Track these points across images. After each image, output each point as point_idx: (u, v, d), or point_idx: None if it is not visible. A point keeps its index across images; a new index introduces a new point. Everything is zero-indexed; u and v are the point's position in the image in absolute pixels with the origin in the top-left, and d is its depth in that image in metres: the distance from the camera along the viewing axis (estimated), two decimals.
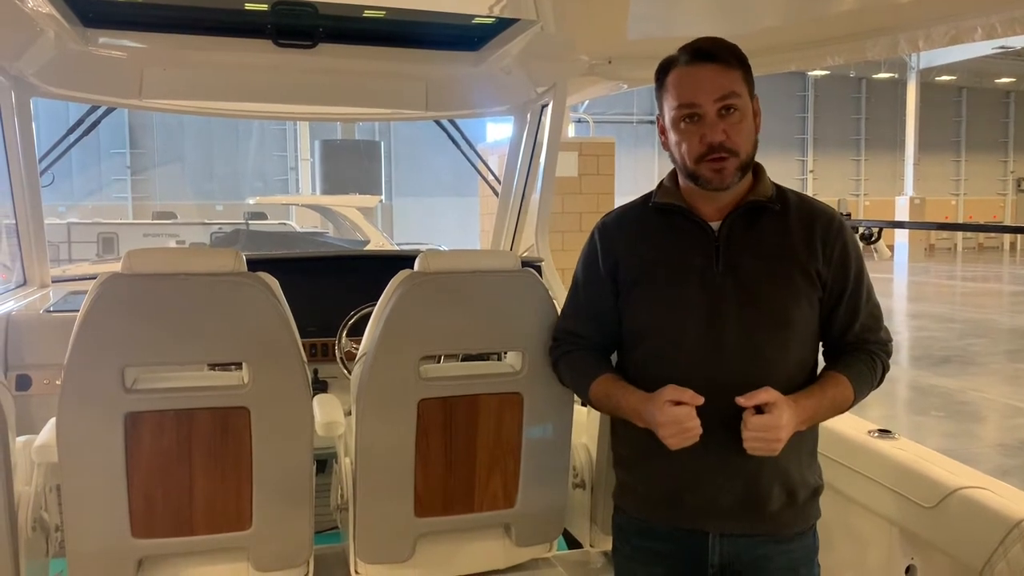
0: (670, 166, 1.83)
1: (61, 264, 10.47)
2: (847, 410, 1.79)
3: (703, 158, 1.67)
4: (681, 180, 1.79)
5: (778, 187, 1.79)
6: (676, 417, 1.64)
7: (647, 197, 1.84)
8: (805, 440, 1.78)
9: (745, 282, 1.70)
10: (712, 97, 1.65)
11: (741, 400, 1.62)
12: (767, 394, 1.63)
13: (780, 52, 3.02)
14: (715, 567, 1.74)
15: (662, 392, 1.66)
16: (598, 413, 2.37)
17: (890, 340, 1.85)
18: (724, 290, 1.70)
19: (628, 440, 1.85)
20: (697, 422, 1.63)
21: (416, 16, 3.11)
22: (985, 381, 9.21)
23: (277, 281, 2.05)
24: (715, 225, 1.74)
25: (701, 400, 1.63)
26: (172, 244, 12.42)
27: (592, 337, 1.89)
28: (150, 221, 15.43)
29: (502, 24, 2.98)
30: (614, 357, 1.92)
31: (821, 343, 1.81)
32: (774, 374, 1.69)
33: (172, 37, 3.01)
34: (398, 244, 13.31)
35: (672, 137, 1.72)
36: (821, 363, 1.84)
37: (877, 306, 1.82)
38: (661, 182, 1.84)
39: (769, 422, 1.61)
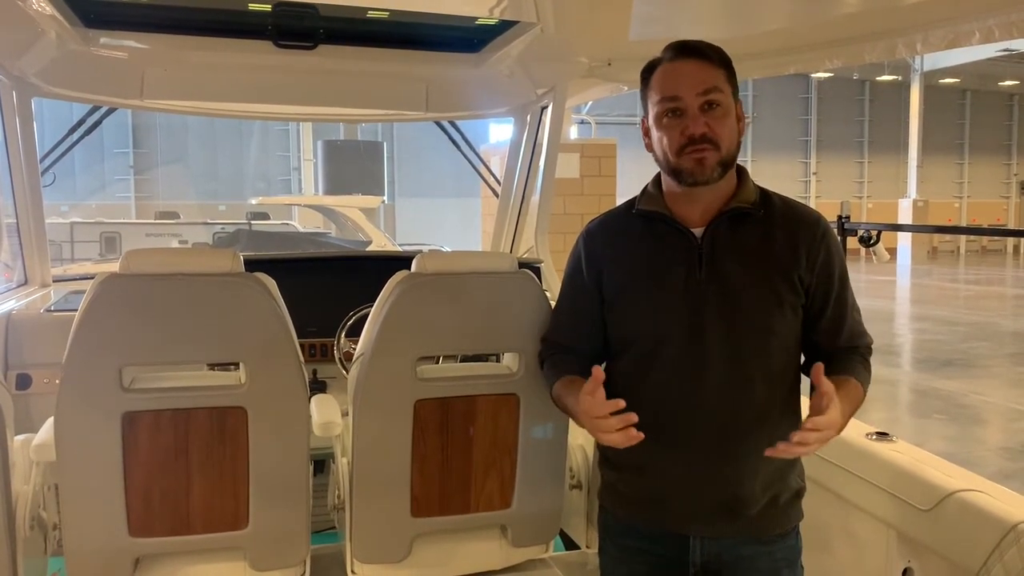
0: None
1: (64, 263, 10.51)
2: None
3: (683, 150, 1.66)
4: (664, 182, 1.78)
5: (763, 191, 1.79)
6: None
7: (631, 203, 1.84)
8: None
9: (728, 289, 1.70)
10: (695, 91, 1.65)
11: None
12: (828, 386, 1.55)
13: (780, 55, 3.03)
14: (696, 566, 1.75)
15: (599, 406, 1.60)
16: None
17: (872, 342, 1.84)
18: (707, 297, 1.70)
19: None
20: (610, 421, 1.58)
21: (416, 18, 3.11)
22: (988, 384, 9.19)
23: (274, 281, 2.05)
24: (698, 232, 1.73)
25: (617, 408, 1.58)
26: (175, 244, 12.45)
27: (575, 345, 1.89)
28: (153, 221, 15.47)
29: (502, 26, 2.99)
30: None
31: (812, 348, 1.79)
32: (757, 381, 1.69)
33: (173, 38, 3.02)
34: (400, 245, 13.33)
35: (655, 134, 1.72)
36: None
37: (859, 310, 1.82)
38: (645, 187, 1.83)
39: (829, 422, 1.54)
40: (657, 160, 1.75)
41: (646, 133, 1.77)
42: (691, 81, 1.66)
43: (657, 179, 1.82)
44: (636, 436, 1.57)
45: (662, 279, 1.73)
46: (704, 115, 1.66)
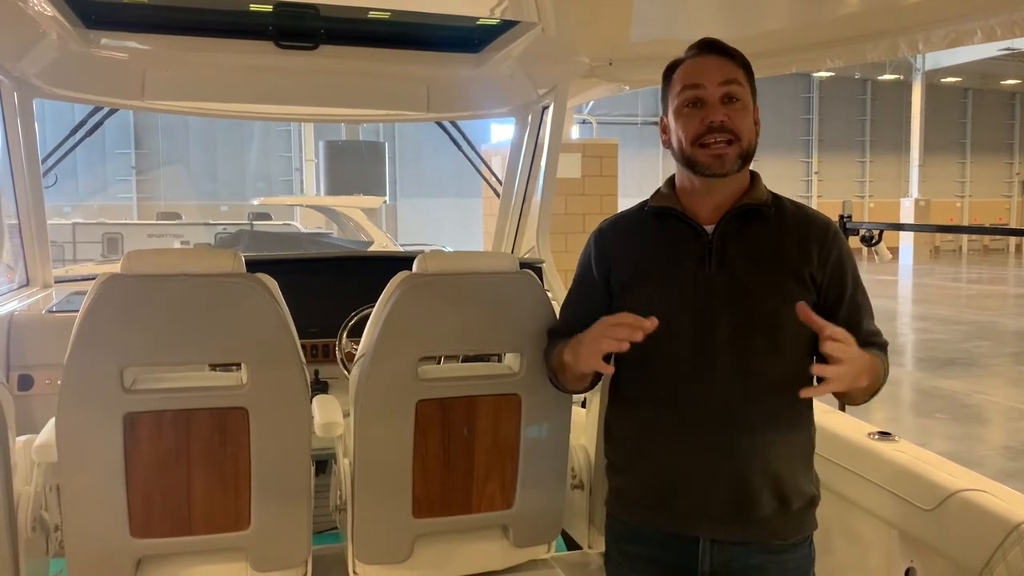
0: (675, 166, 1.83)
1: (66, 264, 10.51)
2: (876, 393, 1.74)
3: (700, 138, 1.67)
4: (678, 178, 1.79)
5: (774, 194, 1.79)
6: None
7: (644, 203, 1.85)
8: (798, 445, 1.77)
9: (736, 284, 1.70)
10: (716, 81, 1.67)
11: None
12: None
13: (782, 54, 3.03)
14: (705, 574, 1.73)
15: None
16: (596, 415, 2.37)
17: (887, 344, 1.82)
18: (715, 292, 1.70)
19: (619, 444, 1.85)
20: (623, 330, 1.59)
21: (417, 18, 3.12)
22: (990, 383, 9.18)
23: (276, 282, 2.05)
24: (709, 228, 1.74)
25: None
26: (177, 244, 12.46)
27: None
28: (155, 221, 15.47)
29: (503, 26, 3.00)
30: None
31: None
32: (764, 376, 1.69)
33: (174, 39, 3.02)
34: (402, 245, 13.32)
35: (673, 126, 1.73)
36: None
37: (872, 314, 1.81)
38: (658, 188, 1.84)
39: (848, 346, 1.53)
40: (674, 154, 1.76)
41: (664, 130, 1.78)
42: (713, 73, 1.68)
43: (671, 180, 1.83)
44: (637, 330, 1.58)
45: (671, 273, 1.73)
46: (724, 107, 1.67)
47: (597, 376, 1.86)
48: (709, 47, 1.72)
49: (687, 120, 1.70)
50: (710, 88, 1.67)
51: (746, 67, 1.73)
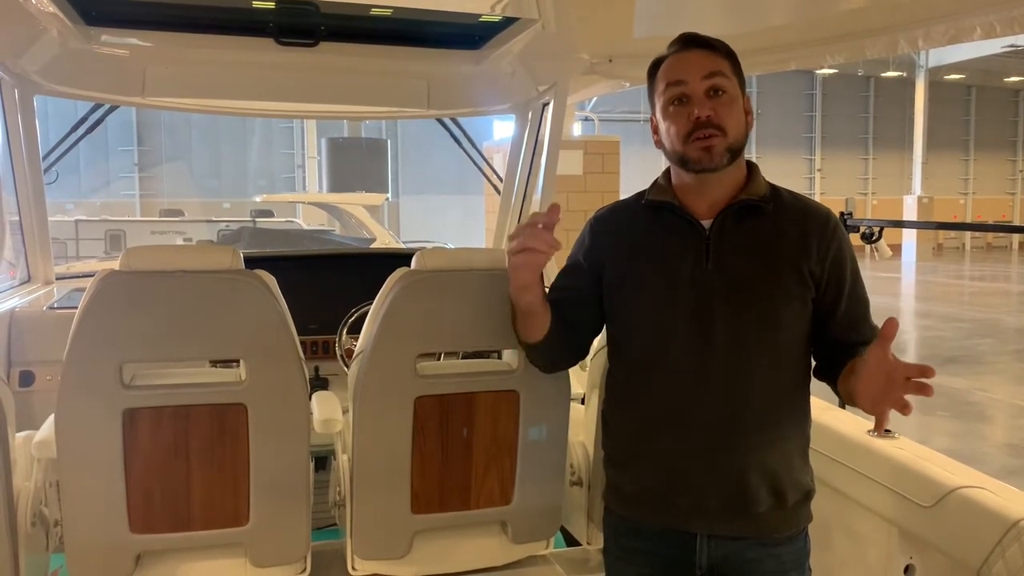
0: None
1: (69, 261, 10.53)
2: None
3: (690, 136, 1.66)
4: (674, 173, 1.78)
5: (772, 186, 1.77)
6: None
7: (641, 195, 1.83)
8: (795, 441, 1.76)
9: (735, 281, 1.68)
10: (700, 75, 1.65)
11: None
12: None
13: (782, 51, 3.03)
14: (703, 568, 1.73)
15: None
16: (595, 411, 2.37)
17: None
18: (713, 289, 1.68)
19: (617, 439, 1.85)
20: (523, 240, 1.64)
21: (418, 15, 3.12)
22: (992, 381, 9.18)
23: (274, 279, 2.05)
24: (707, 223, 1.72)
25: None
26: (179, 241, 12.47)
27: (555, 307, 1.81)
28: (158, 218, 15.49)
29: (503, 23, 3.00)
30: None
31: (824, 345, 1.76)
32: (763, 374, 1.68)
33: (174, 35, 3.03)
34: (404, 242, 13.32)
35: (662, 125, 1.72)
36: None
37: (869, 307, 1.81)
38: (656, 180, 1.83)
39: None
40: (666, 153, 1.74)
41: (655, 130, 1.76)
42: (696, 67, 1.66)
43: (667, 171, 1.81)
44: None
45: (668, 269, 1.72)
46: (710, 101, 1.65)
47: (555, 327, 1.81)
48: (690, 41, 1.70)
49: (675, 118, 1.68)
50: (694, 83, 1.65)
51: (731, 57, 1.70)
